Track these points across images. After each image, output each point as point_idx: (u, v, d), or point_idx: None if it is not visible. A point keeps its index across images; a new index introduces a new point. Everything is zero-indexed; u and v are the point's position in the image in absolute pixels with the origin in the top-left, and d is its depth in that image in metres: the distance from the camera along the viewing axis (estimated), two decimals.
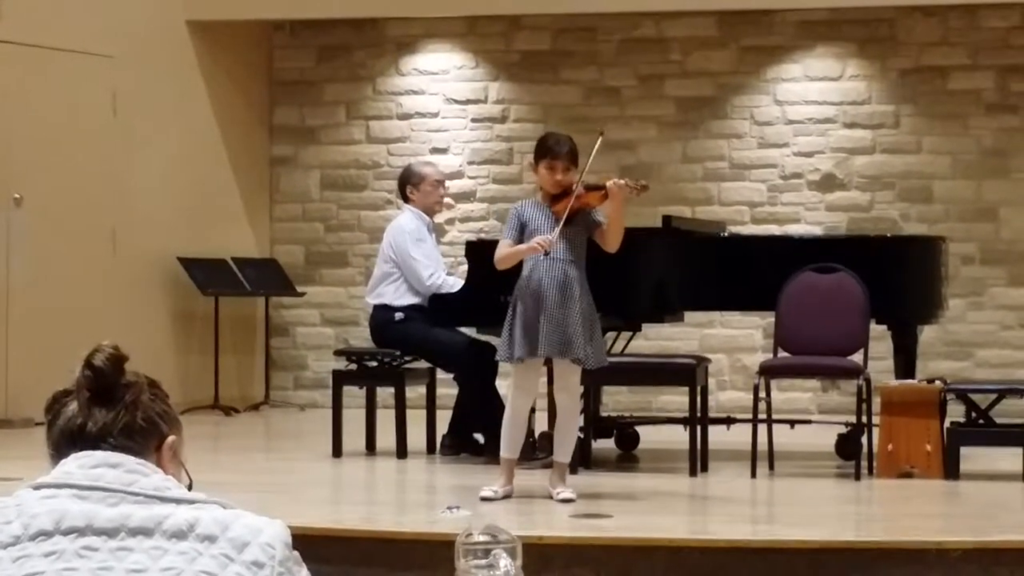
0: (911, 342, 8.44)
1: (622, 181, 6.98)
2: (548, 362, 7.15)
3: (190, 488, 2.38)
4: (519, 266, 7.03)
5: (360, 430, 8.78)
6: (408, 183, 8.88)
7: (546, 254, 6.85)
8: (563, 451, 7.08)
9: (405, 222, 8.83)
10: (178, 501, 2.23)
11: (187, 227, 11.55)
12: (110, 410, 2.30)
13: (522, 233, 6.98)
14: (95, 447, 2.28)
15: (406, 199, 8.90)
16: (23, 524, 2.20)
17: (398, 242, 8.72)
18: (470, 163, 12.18)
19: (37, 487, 2.26)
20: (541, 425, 8.10)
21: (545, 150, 7.03)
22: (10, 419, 10.08)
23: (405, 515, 6.92)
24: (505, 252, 7.01)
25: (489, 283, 7.74)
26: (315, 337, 12.31)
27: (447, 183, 9.50)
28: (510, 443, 7.08)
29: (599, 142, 7.10)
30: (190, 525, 2.19)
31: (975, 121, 11.47)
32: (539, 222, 6.96)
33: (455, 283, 8.66)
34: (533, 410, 8.03)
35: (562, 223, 6.87)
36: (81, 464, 2.26)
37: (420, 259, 8.65)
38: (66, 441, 2.31)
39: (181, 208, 11.53)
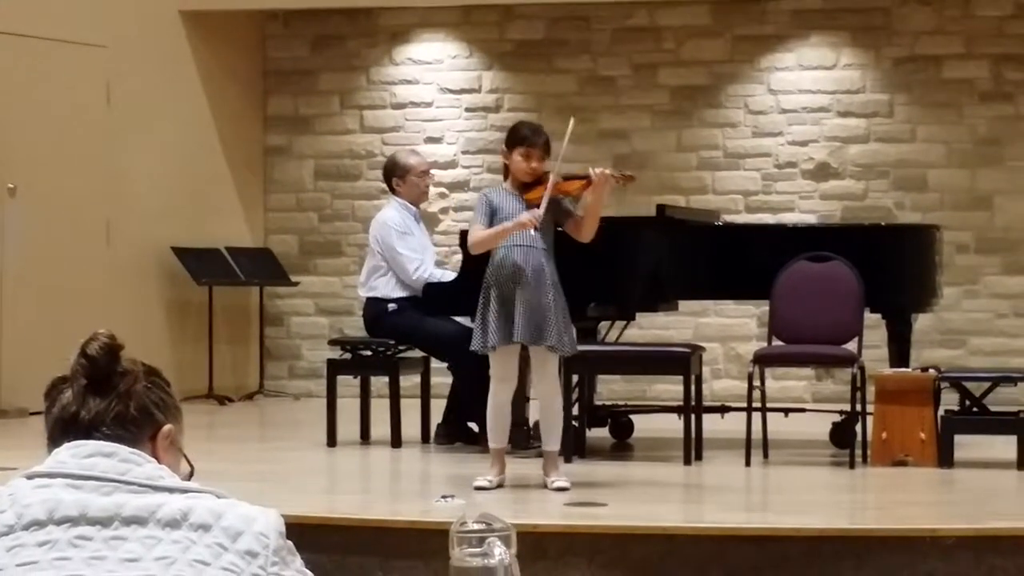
0: (905, 330, 8.45)
1: (607, 170, 6.92)
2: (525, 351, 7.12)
3: (191, 475, 2.38)
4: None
5: (354, 419, 8.79)
6: (393, 175, 8.85)
7: (536, 229, 6.81)
8: (551, 439, 7.07)
9: (390, 215, 8.80)
10: (171, 490, 2.23)
11: (181, 217, 11.55)
12: (103, 399, 2.30)
13: (492, 220, 6.94)
14: (88, 436, 2.28)
15: (392, 190, 8.88)
16: (16, 514, 2.20)
17: (383, 236, 8.71)
18: (464, 152, 12.18)
19: (30, 476, 2.26)
20: (536, 414, 8.10)
21: (521, 138, 6.98)
22: (5, 409, 10.08)
23: (400, 504, 6.92)
24: (485, 233, 6.91)
25: (483, 272, 7.72)
26: (309, 326, 12.31)
27: (433, 172, 9.48)
28: (496, 433, 7.09)
29: (571, 127, 7.03)
30: (184, 514, 2.19)
31: (969, 110, 11.47)
32: (510, 209, 6.92)
33: (443, 274, 8.65)
34: (528, 399, 8.04)
35: (544, 205, 6.82)
36: (74, 453, 2.26)
37: (405, 253, 8.63)
38: (60, 429, 2.31)
39: (175, 198, 11.52)
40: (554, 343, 6.86)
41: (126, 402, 2.31)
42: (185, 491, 2.23)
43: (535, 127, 7.10)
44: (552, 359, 6.98)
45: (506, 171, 7.11)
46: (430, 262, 8.79)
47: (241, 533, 2.18)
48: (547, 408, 7.07)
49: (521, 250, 6.88)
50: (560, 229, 7.04)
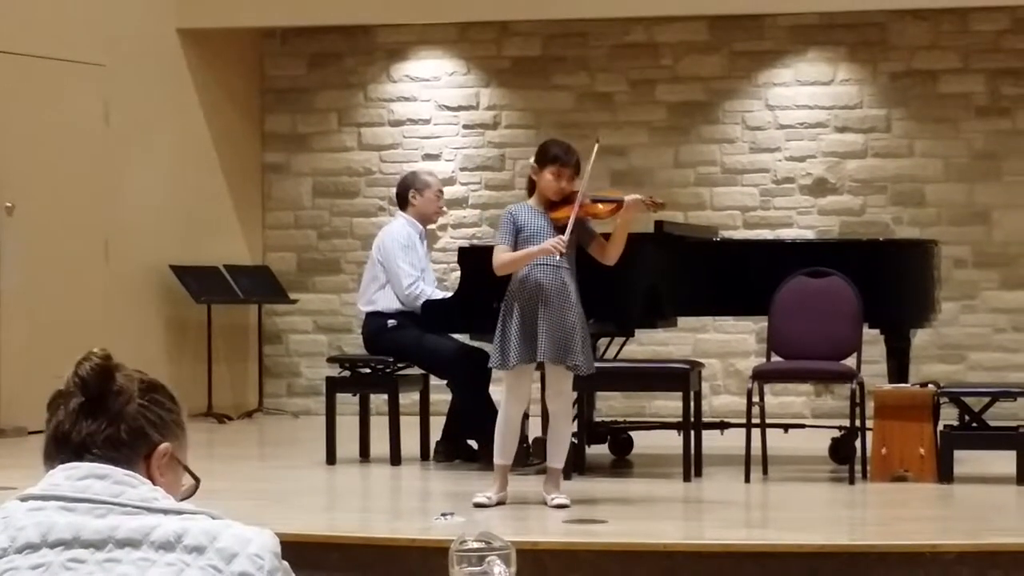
0: (904, 346, 8.45)
1: (640, 196, 6.97)
2: (539, 367, 7.13)
3: (196, 489, 2.37)
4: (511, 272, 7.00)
5: (354, 437, 8.78)
6: (412, 187, 8.88)
7: (560, 255, 6.82)
8: (557, 457, 7.08)
9: (397, 227, 8.86)
10: (166, 512, 2.22)
11: (179, 235, 11.55)
12: (95, 420, 2.28)
13: (516, 238, 6.94)
14: (79, 457, 2.27)
15: (405, 205, 8.89)
16: (10, 537, 2.19)
17: (387, 246, 8.73)
18: (462, 169, 12.18)
19: (24, 499, 2.25)
20: (535, 431, 8.10)
21: (553, 157, 6.97)
22: (3, 428, 10.06)
23: (399, 522, 6.91)
24: (511, 256, 6.91)
25: (482, 289, 7.73)
26: (308, 344, 12.30)
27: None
28: (503, 449, 7.08)
29: (596, 149, 7.06)
30: (178, 536, 2.18)
31: (966, 124, 11.47)
32: (535, 227, 6.93)
33: (433, 293, 8.66)
34: (527, 416, 8.04)
35: (570, 228, 6.83)
36: (68, 475, 2.25)
37: (404, 267, 8.65)
38: (53, 447, 2.30)
39: (173, 216, 11.52)
40: (576, 362, 6.87)
41: (117, 424, 2.29)
42: (179, 513, 2.22)
43: (567, 146, 7.08)
44: (569, 378, 6.99)
45: (530, 188, 7.10)
46: (425, 282, 8.78)
47: (236, 555, 2.17)
48: (558, 426, 7.09)
49: (545, 268, 6.88)
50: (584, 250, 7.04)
